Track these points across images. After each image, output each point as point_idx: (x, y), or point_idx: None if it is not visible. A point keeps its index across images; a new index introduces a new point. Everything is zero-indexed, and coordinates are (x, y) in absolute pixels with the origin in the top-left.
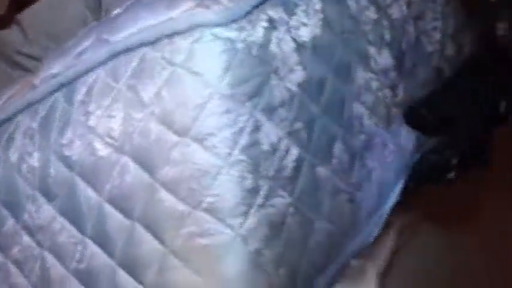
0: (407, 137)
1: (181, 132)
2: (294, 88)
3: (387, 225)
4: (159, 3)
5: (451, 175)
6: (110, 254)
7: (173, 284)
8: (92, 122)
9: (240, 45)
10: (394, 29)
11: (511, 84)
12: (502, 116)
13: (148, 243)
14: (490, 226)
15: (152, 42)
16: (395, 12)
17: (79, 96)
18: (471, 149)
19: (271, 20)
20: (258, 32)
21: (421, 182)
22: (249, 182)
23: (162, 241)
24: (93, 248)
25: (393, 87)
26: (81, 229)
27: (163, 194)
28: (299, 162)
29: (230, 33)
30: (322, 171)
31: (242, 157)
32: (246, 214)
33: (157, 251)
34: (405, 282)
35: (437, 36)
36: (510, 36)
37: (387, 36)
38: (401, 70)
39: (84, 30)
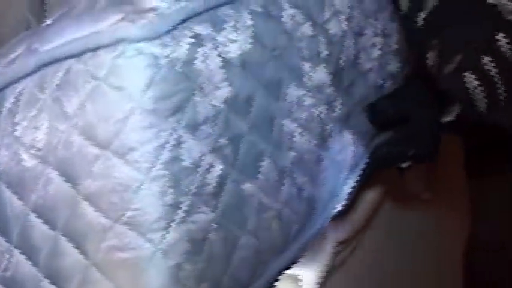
0: (344, 152)
1: (103, 146)
2: (220, 105)
3: (324, 239)
4: (87, 15)
5: (405, 165)
6: (35, 264)
7: None
8: (18, 132)
9: (163, 61)
10: (332, 44)
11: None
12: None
13: (71, 255)
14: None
15: (77, 55)
16: (334, 27)
17: (7, 104)
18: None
19: (197, 36)
20: (183, 48)
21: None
22: (169, 197)
23: (84, 253)
24: (19, 256)
25: (329, 104)
26: (7, 237)
27: (86, 207)
28: (223, 179)
29: (154, 48)
30: (248, 187)
31: (163, 172)
32: (166, 229)
33: (80, 263)
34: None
35: (376, 53)
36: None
37: (324, 52)
38: (339, 86)
39: (16, 38)
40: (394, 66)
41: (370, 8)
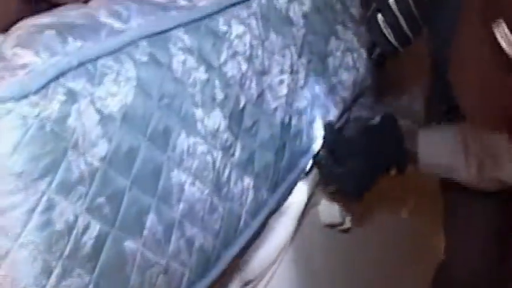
0: (244, 197)
1: None
2: (96, 163)
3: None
4: None
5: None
6: None
7: None
8: None
9: (32, 121)
10: (229, 87)
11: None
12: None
13: None
14: None
15: None
16: (232, 69)
17: None
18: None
19: (71, 92)
20: (54, 106)
21: None
22: (40, 263)
23: None
24: None
25: (226, 149)
26: None
27: None
28: (101, 239)
29: (22, 108)
30: (130, 245)
31: (33, 238)
32: None
33: None
34: None
35: (283, 90)
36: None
37: (219, 96)
38: (238, 129)
39: None
40: (301, 102)
41: (275, 45)
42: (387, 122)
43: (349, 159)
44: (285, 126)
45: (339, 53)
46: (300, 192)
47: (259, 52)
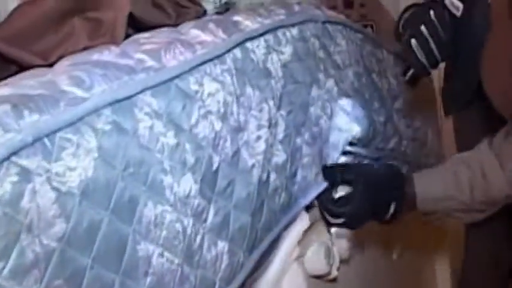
0: (217, 263)
1: None
2: (53, 243)
3: None
4: None
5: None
6: None
7: None
8: None
9: None
10: (201, 149)
11: (399, 190)
12: (392, 215)
13: None
14: None
15: None
16: (203, 130)
17: None
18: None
19: (24, 172)
20: (6, 188)
21: None
22: None
23: None
24: None
25: (198, 215)
26: None
27: None
28: None
29: None
30: None
31: None
32: None
33: None
34: None
35: (261, 146)
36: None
37: (190, 160)
38: (212, 192)
39: None
40: (280, 157)
41: (252, 100)
42: (388, 167)
43: (351, 200)
44: (263, 184)
45: (320, 102)
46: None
47: (234, 109)
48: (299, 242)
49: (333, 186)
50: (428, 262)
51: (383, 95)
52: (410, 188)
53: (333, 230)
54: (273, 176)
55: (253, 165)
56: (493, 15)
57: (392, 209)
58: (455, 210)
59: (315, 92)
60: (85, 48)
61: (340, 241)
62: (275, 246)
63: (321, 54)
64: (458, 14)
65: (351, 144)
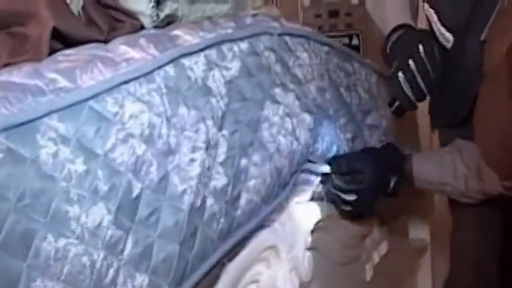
0: None
1: None
2: None
3: None
4: None
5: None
6: None
7: None
8: None
9: None
10: (118, 176)
11: (399, 167)
12: (393, 190)
13: None
14: None
15: None
16: (122, 155)
17: None
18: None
19: None
20: None
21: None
22: None
23: None
24: None
25: (111, 247)
26: None
27: None
28: None
29: None
30: None
31: None
32: None
33: None
34: None
35: (195, 170)
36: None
37: (104, 188)
38: (131, 221)
39: None
40: (219, 181)
41: (186, 120)
42: (389, 147)
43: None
44: (196, 210)
45: (276, 118)
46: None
47: (164, 130)
48: (247, 270)
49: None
50: (408, 276)
51: (351, 110)
52: (409, 168)
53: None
54: (209, 201)
55: (184, 191)
56: (489, 59)
57: (392, 184)
58: (451, 193)
59: (268, 108)
60: (6, 65)
61: (298, 264)
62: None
63: (278, 68)
64: (449, 45)
65: (311, 161)
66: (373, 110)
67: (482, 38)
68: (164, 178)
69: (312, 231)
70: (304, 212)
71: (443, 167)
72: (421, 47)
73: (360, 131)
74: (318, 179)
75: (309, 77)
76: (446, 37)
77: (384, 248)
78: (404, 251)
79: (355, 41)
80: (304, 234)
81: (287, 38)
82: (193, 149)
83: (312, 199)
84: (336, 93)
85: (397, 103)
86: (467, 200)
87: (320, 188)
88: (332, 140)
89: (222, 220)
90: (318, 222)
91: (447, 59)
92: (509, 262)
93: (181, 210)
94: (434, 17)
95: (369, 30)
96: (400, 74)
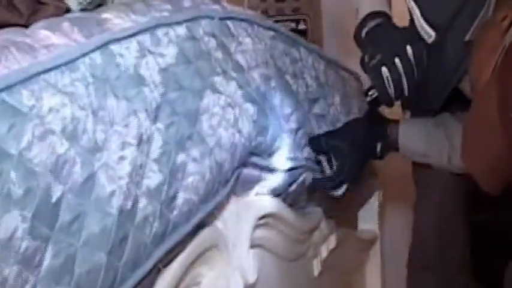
0: None
1: None
2: None
3: None
4: None
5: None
6: None
7: None
8: None
9: None
10: (34, 177)
11: (382, 134)
12: (380, 154)
13: None
14: None
15: None
16: (40, 154)
17: None
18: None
19: None
20: None
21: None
22: None
23: None
24: None
25: (27, 259)
26: None
27: None
28: None
29: None
30: None
31: None
32: None
33: None
34: None
35: (125, 168)
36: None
37: (18, 192)
38: (50, 230)
39: None
40: (153, 179)
41: (115, 113)
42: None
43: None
44: (127, 213)
45: (217, 109)
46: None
47: (89, 125)
48: (186, 274)
49: (319, 154)
50: (357, 269)
51: (298, 99)
52: (394, 136)
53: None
54: (142, 203)
55: (113, 192)
56: (475, 73)
57: (378, 148)
58: (433, 164)
59: (208, 98)
60: None
61: (242, 263)
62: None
63: (219, 54)
64: (430, 41)
65: (255, 154)
66: (321, 99)
67: (466, 38)
68: (90, 179)
69: (256, 228)
70: (248, 208)
71: (428, 141)
72: (409, 48)
73: (306, 121)
74: (263, 173)
75: (252, 64)
76: (428, 32)
77: (332, 241)
78: (353, 243)
79: (302, 26)
80: (247, 231)
81: (229, 22)
82: (123, 145)
83: (256, 194)
84: (282, 81)
85: (374, 94)
86: (447, 171)
87: (264, 182)
88: (276, 132)
89: (156, 223)
90: (262, 218)
91: (428, 52)
92: (479, 231)
93: (110, 215)
94: (417, 11)
95: (317, 15)
96: (385, 69)
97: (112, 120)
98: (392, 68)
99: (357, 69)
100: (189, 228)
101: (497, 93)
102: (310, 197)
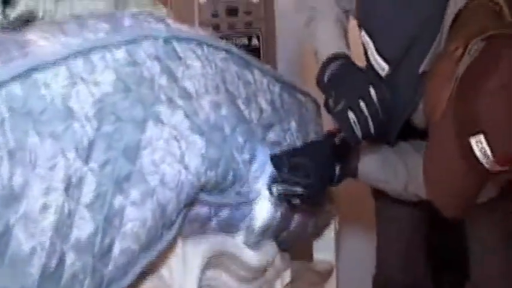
0: None
1: None
2: None
3: None
4: None
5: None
6: None
7: None
8: None
9: None
10: None
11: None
12: (338, 176)
13: None
14: None
15: None
16: None
17: None
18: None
19: None
20: None
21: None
22: None
23: None
24: None
25: None
26: None
27: None
28: None
29: None
30: None
31: None
32: None
33: None
34: None
35: (49, 218)
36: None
37: None
38: None
39: None
40: (84, 230)
41: (39, 154)
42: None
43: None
44: (50, 274)
45: (160, 142)
46: None
47: (4, 169)
48: None
49: (281, 171)
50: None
51: (251, 127)
52: (354, 159)
53: None
54: (70, 259)
55: (33, 250)
56: (430, 102)
57: (337, 171)
58: (389, 191)
59: (151, 130)
60: None
61: None
62: None
63: (163, 80)
64: (383, 74)
65: (204, 191)
66: (276, 124)
67: (420, 70)
68: (3, 236)
69: (204, 270)
70: (195, 249)
71: (386, 167)
72: (372, 90)
73: (260, 150)
74: (213, 210)
75: (201, 90)
76: (382, 66)
77: (287, 276)
78: (308, 276)
79: (255, 42)
80: (195, 274)
81: (175, 43)
82: (48, 191)
83: (204, 233)
84: (233, 107)
85: (342, 135)
86: (403, 199)
87: (215, 220)
88: (228, 165)
89: (87, 280)
90: (210, 258)
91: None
92: (441, 258)
93: (30, 276)
94: (371, 45)
95: (270, 30)
96: (351, 114)
97: (34, 162)
98: (358, 111)
99: (313, 88)
100: (127, 282)
101: (454, 119)
102: (265, 231)
